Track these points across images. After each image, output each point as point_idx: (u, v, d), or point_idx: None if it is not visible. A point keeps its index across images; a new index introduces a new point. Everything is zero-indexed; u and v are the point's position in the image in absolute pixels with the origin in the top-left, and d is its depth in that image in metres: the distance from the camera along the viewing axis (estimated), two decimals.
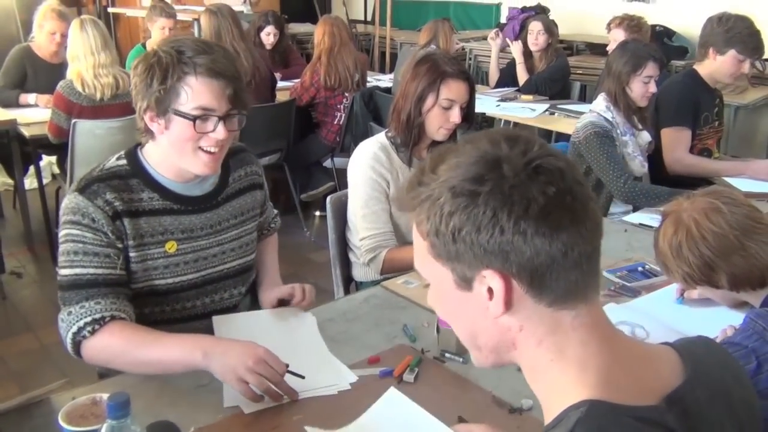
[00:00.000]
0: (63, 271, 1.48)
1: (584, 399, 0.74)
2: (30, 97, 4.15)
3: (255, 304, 1.85)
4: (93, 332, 1.43)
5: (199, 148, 1.51)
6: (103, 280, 1.48)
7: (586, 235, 0.75)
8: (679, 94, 3.12)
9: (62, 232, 1.50)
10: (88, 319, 1.43)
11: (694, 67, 3.19)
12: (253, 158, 1.81)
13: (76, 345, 1.45)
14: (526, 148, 0.76)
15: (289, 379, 1.37)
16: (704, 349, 0.87)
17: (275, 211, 2.00)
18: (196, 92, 1.46)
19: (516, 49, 4.92)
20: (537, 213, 0.72)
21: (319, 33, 4.36)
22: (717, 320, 1.64)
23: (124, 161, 1.58)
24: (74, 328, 1.43)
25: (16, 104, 4.13)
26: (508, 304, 0.76)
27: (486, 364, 0.85)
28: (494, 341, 0.81)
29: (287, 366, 1.36)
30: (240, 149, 1.78)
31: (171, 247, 1.59)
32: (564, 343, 0.77)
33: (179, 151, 1.52)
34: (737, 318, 1.66)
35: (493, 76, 5.11)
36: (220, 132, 1.49)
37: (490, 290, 0.76)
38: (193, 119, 1.47)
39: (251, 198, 1.76)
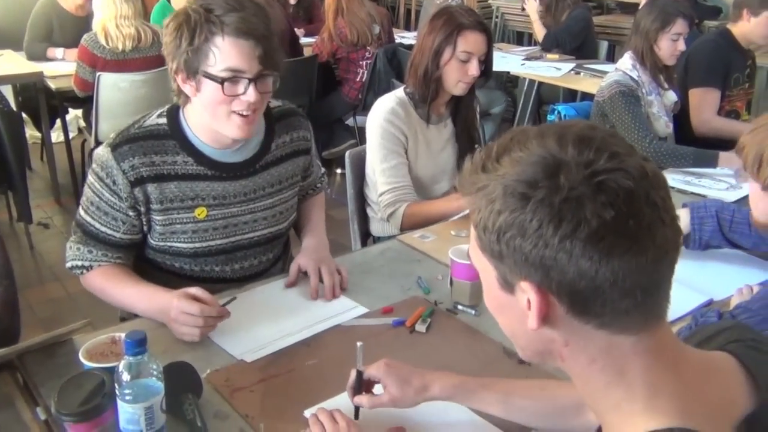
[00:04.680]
0: (80, 210, 1.58)
1: (667, 427, 0.68)
2: (58, 52, 4.18)
3: (285, 272, 1.81)
4: (82, 273, 1.57)
5: (233, 111, 1.46)
6: (103, 237, 1.56)
7: (645, 266, 0.67)
8: (709, 54, 3.05)
9: (89, 179, 1.56)
10: (78, 263, 1.57)
11: (728, 26, 3.11)
12: (302, 122, 1.73)
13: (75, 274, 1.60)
14: (594, 157, 0.67)
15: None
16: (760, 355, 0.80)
17: (323, 170, 1.94)
18: (223, 53, 1.40)
19: (531, 6, 4.86)
20: (586, 236, 0.65)
21: None
22: (733, 278, 1.63)
23: (164, 120, 1.55)
24: (69, 264, 1.58)
25: (44, 58, 4.16)
26: (545, 320, 0.71)
27: (531, 360, 0.82)
28: (536, 348, 0.77)
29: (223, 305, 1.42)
30: (290, 112, 1.71)
31: (201, 213, 1.57)
32: (624, 367, 0.71)
33: (212, 115, 1.48)
34: (754, 277, 1.65)
35: (540, 32, 4.95)
36: (251, 94, 1.43)
37: (529, 301, 0.71)
38: (222, 81, 1.42)
39: (292, 165, 1.70)
